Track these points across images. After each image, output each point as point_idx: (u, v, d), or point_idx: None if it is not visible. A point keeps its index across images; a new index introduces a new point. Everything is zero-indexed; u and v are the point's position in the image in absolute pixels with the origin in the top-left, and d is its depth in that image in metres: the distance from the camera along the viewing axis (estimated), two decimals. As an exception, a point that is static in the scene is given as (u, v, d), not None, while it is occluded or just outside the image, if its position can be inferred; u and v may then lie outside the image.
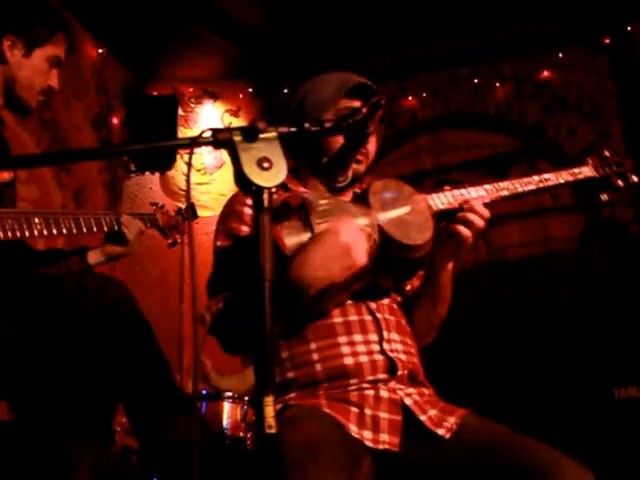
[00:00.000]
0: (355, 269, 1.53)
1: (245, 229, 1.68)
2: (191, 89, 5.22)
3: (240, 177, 1.03)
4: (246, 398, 3.01)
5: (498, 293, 4.40)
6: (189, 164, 1.13)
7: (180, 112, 5.04)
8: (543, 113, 4.67)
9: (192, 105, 5.23)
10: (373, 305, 1.66)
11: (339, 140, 1.71)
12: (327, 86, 1.78)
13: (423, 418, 1.52)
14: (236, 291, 1.58)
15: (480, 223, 1.66)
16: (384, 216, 1.61)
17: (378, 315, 1.64)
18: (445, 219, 1.70)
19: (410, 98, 4.93)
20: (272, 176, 1.03)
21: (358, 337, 1.59)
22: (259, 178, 1.02)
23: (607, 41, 4.52)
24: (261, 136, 1.05)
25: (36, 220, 2.03)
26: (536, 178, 1.84)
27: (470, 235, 1.65)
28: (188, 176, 1.04)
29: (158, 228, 2.56)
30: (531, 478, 1.37)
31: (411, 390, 1.58)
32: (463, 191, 1.73)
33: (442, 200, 1.71)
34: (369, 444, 1.46)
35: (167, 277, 4.79)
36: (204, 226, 3.69)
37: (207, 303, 1.62)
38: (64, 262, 2.31)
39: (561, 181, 1.87)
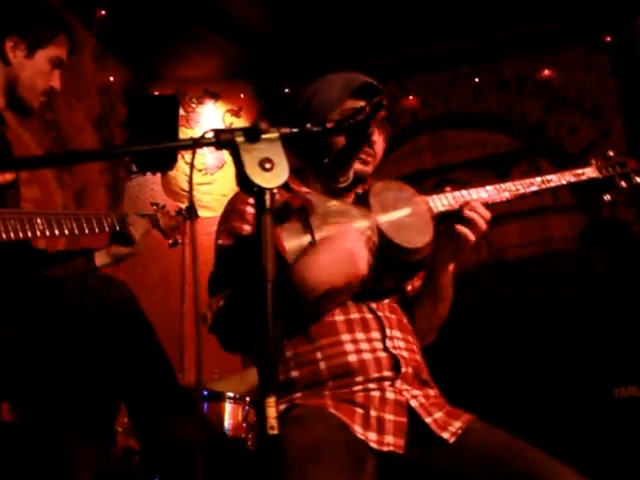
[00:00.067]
0: (357, 278, 1.54)
1: (247, 228, 1.68)
2: (192, 89, 5.22)
3: (242, 178, 1.03)
4: (247, 399, 3.01)
5: (499, 293, 4.40)
6: (191, 165, 1.11)
7: (181, 112, 5.04)
8: (544, 112, 4.67)
9: (193, 105, 5.24)
10: (373, 304, 1.66)
11: (341, 140, 1.71)
12: (333, 86, 1.77)
13: (428, 420, 1.52)
14: (237, 290, 1.58)
15: (482, 224, 1.66)
16: (384, 218, 1.61)
17: (379, 313, 1.64)
18: (446, 221, 1.70)
19: (411, 98, 4.93)
20: (274, 177, 1.03)
21: (360, 335, 1.60)
22: (261, 179, 1.02)
23: (608, 39, 4.52)
24: (263, 137, 1.06)
25: (38, 221, 2.03)
26: (538, 179, 1.83)
27: (472, 236, 1.66)
28: (190, 177, 1.03)
29: (159, 228, 2.56)
30: None
31: (417, 392, 1.58)
32: (464, 192, 1.73)
33: (443, 202, 1.71)
34: (374, 446, 1.46)
35: (168, 277, 4.79)
36: (205, 226, 3.69)
37: (208, 301, 1.63)
38: (70, 263, 2.32)
39: (564, 182, 1.86)
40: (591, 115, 4.53)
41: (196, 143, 1.06)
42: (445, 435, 1.50)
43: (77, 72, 4.32)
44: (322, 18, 4.53)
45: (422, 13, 4.47)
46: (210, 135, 1.06)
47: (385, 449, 1.46)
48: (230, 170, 5.04)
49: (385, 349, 1.59)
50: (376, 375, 1.55)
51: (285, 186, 1.68)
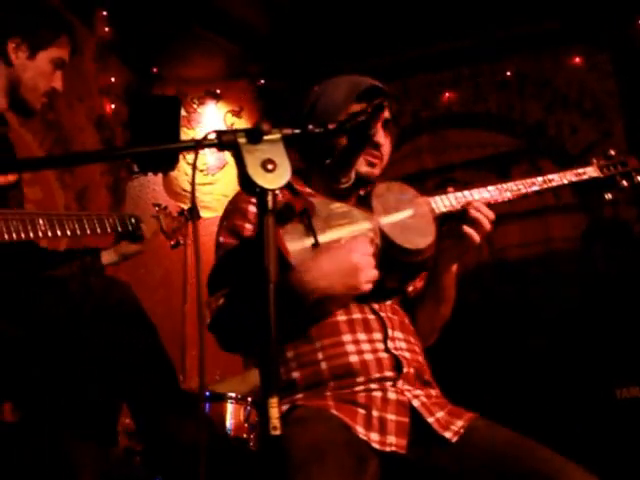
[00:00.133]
0: (357, 292, 1.54)
1: (249, 227, 1.68)
2: (194, 90, 5.23)
3: (244, 179, 1.03)
4: (249, 399, 3.01)
5: (500, 293, 4.40)
6: (194, 166, 1.11)
7: (183, 113, 5.05)
8: (545, 112, 4.67)
9: (195, 106, 5.24)
10: (376, 305, 1.66)
11: (343, 141, 1.71)
12: (339, 90, 1.77)
13: (431, 420, 1.52)
14: (236, 289, 1.59)
15: (487, 224, 1.67)
16: (386, 220, 1.62)
17: (381, 314, 1.64)
18: (451, 222, 1.70)
19: (412, 98, 4.93)
20: (276, 178, 1.03)
21: (362, 336, 1.60)
22: (263, 180, 1.02)
23: (609, 39, 4.52)
24: (265, 138, 1.06)
25: (40, 221, 2.03)
26: (540, 179, 1.84)
27: (477, 237, 1.66)
28: (193, 178, 1.03)
29: (161, 230, 2.57)
30: None
31: (419, 392, 1.57)
32: (466, 193, 1.73)
33: (445, 203, 1.71)
34: (376, 446, 1.46)
35: (170, 278, 4.80)
36: (207, 227, 3.70)
37: (207, 300, 1.63)
38: (77, 262, 2.33)
39: (565, 182, 1.86)
40: (592, 115, 4.53)
41: (198, 144, 1.06)
42: (447, 434, 1.50)
43: (78, 72, 4.33)
44: (323, 18, 4.53)
45: (422, 13, 4.47)
46: (212, 136, 1.06)
47: (387, 449, 1.46)
48: (231, 170, 5.04)
49: (387, 350, 1.59)
50: (377, 375, 1.55)
51: (288, 187, 1.68)
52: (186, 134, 5.08)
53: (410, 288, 1.83)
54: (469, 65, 4.84)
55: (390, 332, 1.62)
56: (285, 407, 1.54)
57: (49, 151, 4.02)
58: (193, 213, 2.57)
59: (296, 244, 1.53)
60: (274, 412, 0.96)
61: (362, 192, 1.78)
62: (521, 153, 4.58)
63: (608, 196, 1.95)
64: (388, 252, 1.59)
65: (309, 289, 1.51)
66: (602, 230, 4.30)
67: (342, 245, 1.55)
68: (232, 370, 3.62)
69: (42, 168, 2.68)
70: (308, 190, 1.76)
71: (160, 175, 5.01)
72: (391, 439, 1.48)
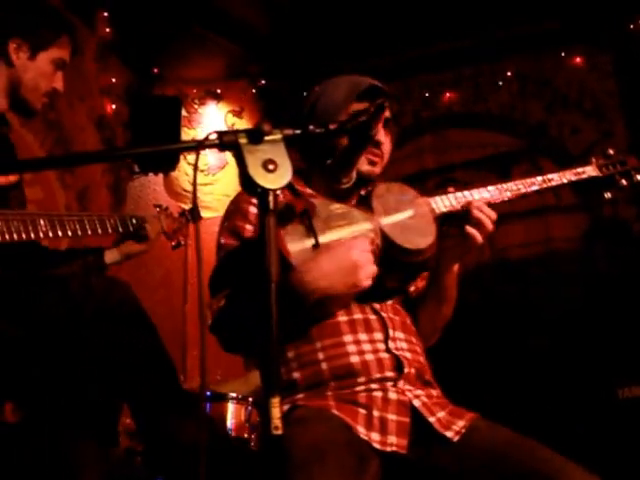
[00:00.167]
0: (358, 289, 1.54)
1: (249, 228, 1.69)
2: (194, 90, 5.23)
3: (245, 179, 1.03)
4: (250, 399, 3.01)
5: (501, 293, 4.40)
6: (195, 167, 1.11)
7: (184, 113, 5.05)
8: (546, 112, 4.67)
9: (196, 106, 5.24)
10: (377, 305, 1.66)
11: (344, 141, 1.71)
12: (339, 89, 1.78)
13: (432, 420, 1.52)
14: (238, 290, 1.59)
15: (489, 224, 1.67)
16: (387, 220, 1.62)
17: (382, 314, 1.64)
18: (453, 222, 1.70)
19: (412, 98, 4.93)
20: (277, 178, 1.03)
21: (363, 336, 1.60)
22: (264, 180, 1.03)
23: (609, 40, 4.52)
24: (266, 138, 1.06)
25: (41, 222, 2.03)
26: (539, 179, 1.84)
27: (480, 237, 1.66)
28: (195, 179, 1.03)
29: (162, 230, 2.57)
30: None
31: (419, 392, 1.58)
32: (466, 193, 1.74)
33: (445, 203, 1.71)
34: (377, 446, 1.46)
35: (171, 278, 4.80)
36: (207, 227, 3.69)
37: (208, 301, 1.63)
38: (80, 261, 2.33)
39: (564, 181, 1.87)
40: (593, 115, 4.53)
41: (200, 145, 1.06)
42: (449, 434, 1.50)
43: (79, 72, 4.33)
44: (323, 18, 4.53)
45: (423, 13, 4.47)
46: (214, 137, 1.07)
47: (388, 449, 1.46)
48: (232, 170, 5.05)
49: (388, 350, 1.59)
50: (378, 376, 1.55)
51: (289, 187, 1.68)
52: (187, 134, 5.09)
53: (412, 288, 1.83)
54: (470, 65, 4.84)
55: (391, 332, 1.62)
56: (286, 407, 1.54)
57: (50, 151, 4.02)
58: (194, 214, 2.58)
59: (296, 245, 1.54)
60: (276, 412, 0.97)
61: (363, 192, 1.78)
62: (522, 153, 4.58)
63: (607, 195, 1.96)
64: (389, 252, 1.59)
65: (310, 289, 1.51)
66: (603, 230, 4.30)
67: (341, 244, 1.55)
68: (233, 370, 3.62)
69: (43, 168, 2.68)
70: (309, 190, 1.76)
71: (161, 175, 5.01)
72: (392, 439, 1.48)
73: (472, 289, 4.27)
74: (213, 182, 5.09)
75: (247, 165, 1.03)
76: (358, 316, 1.62)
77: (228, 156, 4.94)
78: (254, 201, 1.69)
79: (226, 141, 1.06)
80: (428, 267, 1.74)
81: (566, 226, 4.39)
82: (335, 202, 1.69)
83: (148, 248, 2.43)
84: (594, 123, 4.52)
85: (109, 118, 4.74)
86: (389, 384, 1.55)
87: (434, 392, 1.63)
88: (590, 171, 1.91)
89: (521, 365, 3.93)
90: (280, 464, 1.01)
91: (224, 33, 4.69)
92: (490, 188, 1.77)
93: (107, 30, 4.52)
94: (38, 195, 3.83)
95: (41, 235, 2.04)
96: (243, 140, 1.05)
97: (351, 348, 1.57)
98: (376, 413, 1.50)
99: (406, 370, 1.57)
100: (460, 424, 1.53)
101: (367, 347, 1.58)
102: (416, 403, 1.53)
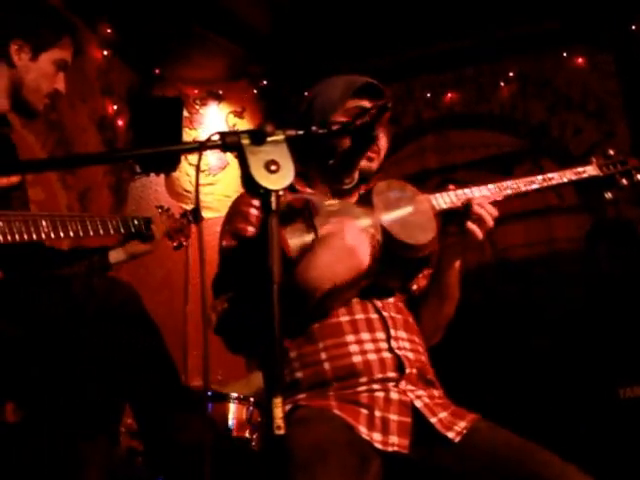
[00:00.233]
0: (360, 270, 1.54)
1: (251, 229, 1.69)
2: (196, 90, 5.23)
3: (248, 180, 1.03)
4: (252, 399, 3.02)
5: (503, 293, 4.40)
6: (197, 168, 1.11)
7: (185, 113, 5.05)
8: (548, 113, 4.67)
9: (197, 106, 5.24)
10: (379, 303, 1.66)
11: (346, 142, 1.72)
12: (335, 87, 1.79)
13: (433, 420, 1.52)
14: (241, 291, 1.59)
15: (490, 220, 1.67)
16: (387, 216, 1.62)
17: (384, 313, 1.64)
18: (449, 219, 1.70)
19: (414, 98, 4.93)
20: (280, 179, 1.03)
21: (365, 335, 1.60)
22: (267, 181, 1.03)
23: (611, 40, 4.52)
24: (269, 139, 1.06)
25: (43, 223, 2.03)
26: (540, 177, 1.85)
27: (480, 233, 1.67)
28: (197, 180, 1.03)
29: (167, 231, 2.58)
30: None
31: (421, 392, 1.58)
32: (467, 191, 1.74)
33: (445, 200, 1.72)
34: (378, 446, 1.47)
35: (172, 278, 4.81)
36: (208, 227, 3.70)
37: (212, 303, 1.63)
38: (84, 261, 2.33)
39: (565, 180, 1.87)
40: (595, 116, 4.53)
41: (203, 146, 1.07)
42: (450, 434, 1.50)
43: (81, 73, 4.33)
44: (325, 19, 4.54)
45: (424, 13, 4.47)
46: (216, 138, 1.07)
47: (390, 449, 1.47)
48: (233, 171, 5.05)
49: (390, 349, 1.59)
50: (380, 376, 1.55)
51: (289, 188, 1.69)
52: (188, 135, 5.09)
53: (414, 287, 1.84)
54: (471, 65, 4.84)
55: (393, 332, 1.62)
56: (288, 407, 1.54)
57: (51, 152, 4.02)
58: (196, 214, 2.59)
59: (297, 240, 1.54)
60: (278, 412, 0.97)
61: (362, 191, 1.79)
62: (524, 153, 4.58)
63: (608, 195, 1.96)
64: (390, 248, 1.59)
65: (316, 285, 1.51)
66: (605, 230, 4.30)
67: (332, 233, 1.54)
68: (234, 371, 3.62)
69: (45, 170, 2.68)
70: (309, 190, 1.76)
71: (162, 176, 5.01)
72: (393, 439, 1.48)
73: (474, 289, 4.27)
74: (214, 182, 5.09)
75: (249, 166, 1.03)
76: (360, 316, 1.63)
77: (229, 156, 4.94)
78: (254, 203, 1.70)
79: (229, 142, 1.06)
80: (429, 264, 1.74)
81: (569, 226, 4.39)
82: (336, 199, 1.70)
83: (153, 248, 2.44)
84: (596, 123, 4.52)
85: (110, 119, 4.74)
86: (391, 384, 1.55)
87: (436, 392, 1.63)
88: (590, 170, 1.92)
89: (523, 365, 3.93)
90: (282, 464, 1.01)
91: (225, 33, 4.70)
92: (490, 186, 1.77)
93: (108, 31, 4.52)
94: (39, 196, 3.83)
95: (43, 236, 2.04)
96: (246, 141, 1.05)
97: (353, 348, 1.58)
98: (378, 413, 1.51)
99: (407, 371, 1.57)
100: (461, 425, 1.53)
101: (369, 347, 1.58)
102: (418, 404, 1.54)
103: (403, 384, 1.56)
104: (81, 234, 2.12)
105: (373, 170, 1.80)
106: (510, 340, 4.09)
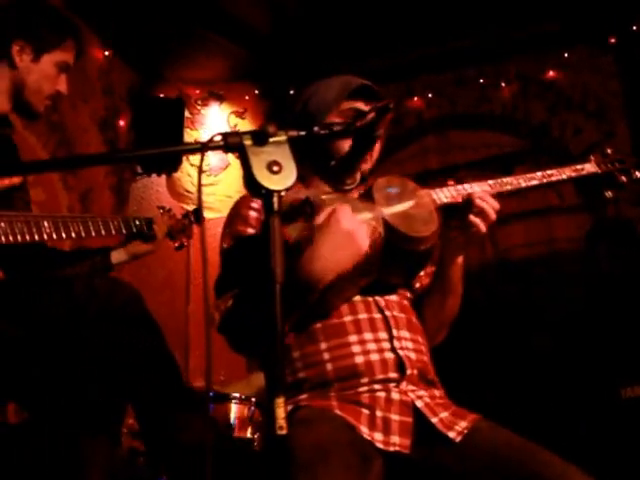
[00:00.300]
0: (361, 254, 1.53)
1: (251, 231, 1.70)
2: (197, 91, 5.23)
3: (250, 181, 1.04)
4: (253, 399, 3.02)
5: (504, 293, 4.40)
6: (200, 169, 1.11)
7: (186, 114, 5.05)
8: (548, 113, 4.67)
9: (198, 107, 5.25)
10: (382, 302, 1.67)
11: (346, 143, 1.73)
12: (330, 89, 1.80)
13: (434, 420, 1.52)
14: (245, 290, 1.59)
15: (492, 213, 1.68)
16: (389, 210, 1.62)
17: (387, 313, 1.65)
18: (451, 214, 1.71)
19: (416, 98, 4.93)
20: (282, 179, 1.04)
21: (368, 335, 1.60)
22: (269, 182, 1.03)
23: (612, 40, 4.51)
24: (271, 140, 1.07)
25: (45, 224, 2.04)
26: (539, 174, 1.87)
27: (483, 225, 1.67)
28: (199, 181, 1.03)
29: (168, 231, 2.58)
30: None
31: (422, 392, 1.58)
32: (467, 186, 1.75)
33: (446, 194, 1.73)
34: (380, 446, 1.47)
35: (173, 279, 4.81)
36: (210, 228, 3.71)
37: (215, 302, 1.63)
38: (87, 261, 2.33)
39: (564, 177, 1.89)
40: (595, 116, 4.53)
41: (205, 147, 1.07)
42: (451, 434, 1.51)
43: (82, 73, 4.33)
44: (327, 20, 4.54)
45: (425, 13, 4.47)
46: (218, 139, 1.07)
47: (391, 449, 1.47)
48: (234, 171, 5.06)
49: (393, 349, 1.59)
50: (381, 377, 1.56)
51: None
52: (189, 135, 5.09)
53: (417, 285, 1.84)
54: (472, 66, 4.84)
55: (395, 332, 1.62)
56: (289, 408, 1.55)
57: (53, 153, 4.02)
58: (198, 215, 2.59)
59: (294, 230, 1.54)
60: (280, 412, 0.97)
61: (362, 190, 1.80)
62: (525, 154, 4.58)
63: (608, 193, 1.97)
64: (392, 241, 1.59)
65: (317, 278, 1.51)
66: (606, 230, 4.30)
67: (328, 222, 1.53)
68: (236, 371, 3.62)
69: (47, 170, 2.68)
70: (305, 191, 1.76)
71: (163, 176, 5.01)
72: (395, 439, 1.48)
73: (475, 289, 4.26)
74: (215, 183, 5.09)
75: (252, 167, 1.03)
76: (363, 315, 1.63)
77: (230, 157, 4.94)
78: (253, 205, 1.72)
79: (231, 143, 1.06)
80: (431, 260, 1.74)
81: (569, 226, 4.39)
82: (336, 193, 1.71)
83: (155, 248, 2.44)
84: (596, 124, 4.52)
85: (112, 119, 4.74)
86: (392, 385, 1.56)
87: (437, 392, 1.64)
88: (589, 168, 1.93)
89: (524, 365, 3.93)
90: (284, 464, 1.01)
91: (227, 34, 4.70)
92: (490, 182, 1.78)
93: (109, 31, 4.53)
94: (40, 197, 3.83)
95: (45, 237, 2.04)
96: (248, 142, 1.06)
97: (356, 348, 1.58)
98: (379, 413, 1.51)
99: (408, 372, 1.58)
100: (462, 425, 1.54)
101: (372, 346, 1.59)
102: (419, 404, 1.54)
103: (404, 385, 1.56)
104: (83, 235, 2.13)
105: (367, 169, 1.81)
106: (511, 340, 4.09)
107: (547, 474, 1.39)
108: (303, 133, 1.14)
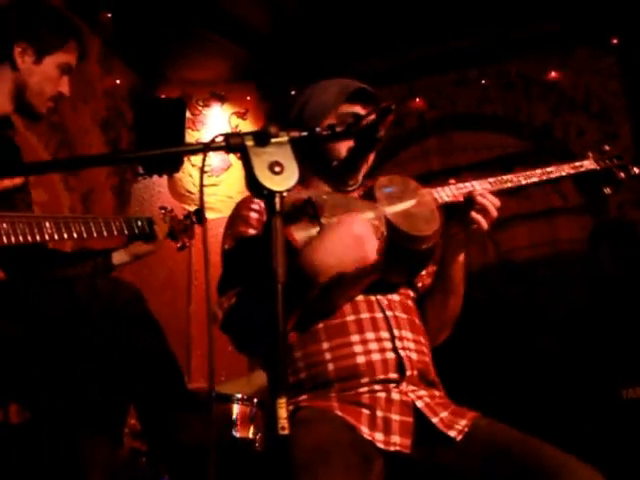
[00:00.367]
0: (366, 263, 1.54)
1: (252, 232, 1.71)
2: (199, 92, 5.24)
3: (252, 181, 1.04)
4: (255, 400, 3.01)
5: (507, 294, 4.39)
6: (202, 170, 1.12)
7: (188, 115, 5.05)
8: (551, 114, 4.66)
9: (200, 108, 5.25)
10: (384, 302, 1.67)
11: (345, 145, 1.73)
12: (327, 92, 1.80)
13: (435, 420, 1.52)
14: (247, 288, 1.59)
15: (493, 211, 1.68)
16: (391, 209, 1.63)
17: (388, 313, 1.65)
18: (452, 212, 1.71)
19: (417, 100, 4.93)
20: (283, 180, 1.04)
21: (370, 335, 1.60)
22: (271, 182, 1.03)
23: (615, 41, 4.51)
24: (273, 140, 1.07)
25: (47, 224, 2.04)
26: (538, 171, 1.87)
27: (485, 223, 1.68)
28: (201, 182, 1.04)
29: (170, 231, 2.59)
30: None
31: (422, 392, 1.58)
32: (467, 184, 1.76)
33: (447, 193, 1.73)
34: (380, 446, 1.47)
35: (175, 279, 4.81)
36: (211, 228, 3.70)
37: (218, 300, 1.63)
38: (88, 262, 2.34)
39: (563, 174, 1.89)
40: (598, 117, 4.52)
41: (207, 148, 1.07)
42: (452, 433, 1.51)
43: (83, 74, 4.34)
44: (328, 20, 4.54)
45: (426, 14, 4.47)
46: (220, 139, 1.07)
47: (392, 449, 1.47)
48: (235, 172, 5.06)
49: (394, 349, 1.59)
50: (382, 377, 1.56)
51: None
52: (191, 136, 5.10)
53: (419, 284, 1.84)
54: (475, 67, 4.84)
55: (397, 332, 1.62)
56: (290, 408, 1.54)
57: (54, 153, 4.03)
58: (200, 215, 2.59)
59: (302, 233, 1.54)
60: (282, 412, 0.97)
61: (361, 191, 1.80)
62: (527, 155, 4.57)
63: (607, 190, 1.98)
64: (394, 240, 1.59)
65: (320, 269, 1.50)
66: (608, 231, 4.30)
67: (341, 222, 1.54)
68: (237, 371, 3.63)
69: (48, 171, 2.69)
70: (304, 192, 1.77)
71: (165, 177, 5.02)
72: (395, 439, 1.49)
73: (478, 290, 4.27)
74: (217, 183, 5.09)
75: (253, 167, 1.03)
76: (366, 315, 1.63)
77: (232, 158, 4.95)
78: (254, 207, 1.73)
79: (233, 144, 1.06)
80: (433, 259, 1.75)
81: (572, 228, 4.39)
82: (337, 193, 1.70)
83: (156, 248, 2.44)
84: (599, 125, 4.51)
85: (113, 120, 4.75)
86: (392, 385, 1.56)
87: (437, 393, 1.64)
88: (588, 164, 1.94)
89: (526, 366, 3.93)
90: (285, 464, 1.01)
91: (228, 35, 4.70)
92: (491, 179, 1.79)
93: (110, 32, 4.53)
94: (42, 197, 3.84)
95: (46, 237, 2.04)
96: (250, 142, 1.06)
97: (358, 348, 1.58)
98: (379, 413, 1.51)
99: (408, 373, 1.58)
100: (462, 423, 1.54)
101: (374, 346, 1.59)
102: (419, 404, 1.54)
103: (404, 385, 1.57)
104: (85, 235, 2.13)
105: (365, 173, 1.82)
106: (514, 341, 4.09)
107: (549, 465, 1.39)
108: (305, 134, 1.14)
